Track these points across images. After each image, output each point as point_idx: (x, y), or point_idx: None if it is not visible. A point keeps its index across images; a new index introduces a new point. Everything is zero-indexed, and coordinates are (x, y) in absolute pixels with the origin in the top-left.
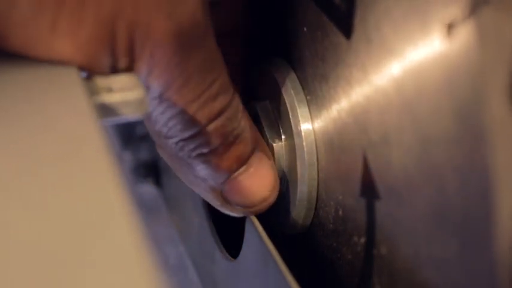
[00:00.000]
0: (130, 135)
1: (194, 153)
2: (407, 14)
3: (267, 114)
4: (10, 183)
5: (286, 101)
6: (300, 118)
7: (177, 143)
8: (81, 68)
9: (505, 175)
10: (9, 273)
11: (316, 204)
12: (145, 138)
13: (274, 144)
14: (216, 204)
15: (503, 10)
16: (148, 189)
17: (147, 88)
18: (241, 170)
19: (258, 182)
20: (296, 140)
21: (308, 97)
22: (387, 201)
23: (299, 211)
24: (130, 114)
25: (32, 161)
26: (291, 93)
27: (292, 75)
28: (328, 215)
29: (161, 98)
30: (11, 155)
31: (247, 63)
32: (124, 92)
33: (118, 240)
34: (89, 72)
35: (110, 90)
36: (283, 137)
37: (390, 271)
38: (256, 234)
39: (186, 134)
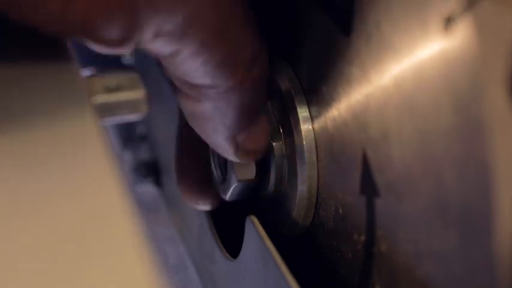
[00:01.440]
0: (130, 135)
1: (238, 102)
2: (406, 9)
3: (267, 114)
4: (7, 184)
5: (286, 101)
6: (300, 118)
7: (220, 92)
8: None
9: (504, 168)
10: (9, 273)
11: (316, 204)
12: (145, 138)
13: (274, 144)
14: (229, 152)
15: (502, 3)
16: (148, 189)
17: (184, 38)
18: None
19: (265, 132)
20: (296, 140)
21: (308, 96)
22: (387, 198)
23: (299, 211)
24: (130, 114)
25: (31, 161)
26: (291, 93)
27: (292, 75)
28: (328, 214)
29: (205, 45)
30: (9, 155)
31: None
32: (124, 92)
33: (118, 240)
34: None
35: (109, 90)
36: (283, 136)
37: (390, 268)
38: (256, 234)
39: (232, 82)
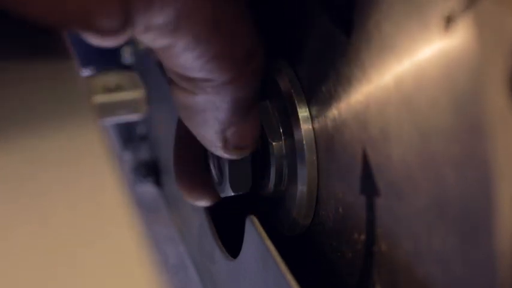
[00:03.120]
0: (130, 135)
1: (232, 97)
2: (406, 9)
3: (267, 114)
4: (6, 184)
5: (286, 101)
6: (300, 118)
7: (216, 86)
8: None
9: (504, 167)
10: (9, 274)
11: (316, 203)
12: (145, 138)
13: (274, 144)
14: (217, 146)
15: (502, 3)
16: (148, 189)
17: (177, 32)
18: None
19: (255, 128)
20: (296, 140)
21: (308, 96)
22: (387, 197)
23: (299, 211)
24: (130, 114)
25: (29, 161)
26: (291, 93)
27: (292, 75)
28: (329, 214)
29: (199, 40)
30: (7, 155)
31: None
32: (123, 92)
33: (118, 240)
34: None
35: (109, 90)
36: (283, 136)
37: (390, 268)
38: (256, 234)
39: (227, 76)
